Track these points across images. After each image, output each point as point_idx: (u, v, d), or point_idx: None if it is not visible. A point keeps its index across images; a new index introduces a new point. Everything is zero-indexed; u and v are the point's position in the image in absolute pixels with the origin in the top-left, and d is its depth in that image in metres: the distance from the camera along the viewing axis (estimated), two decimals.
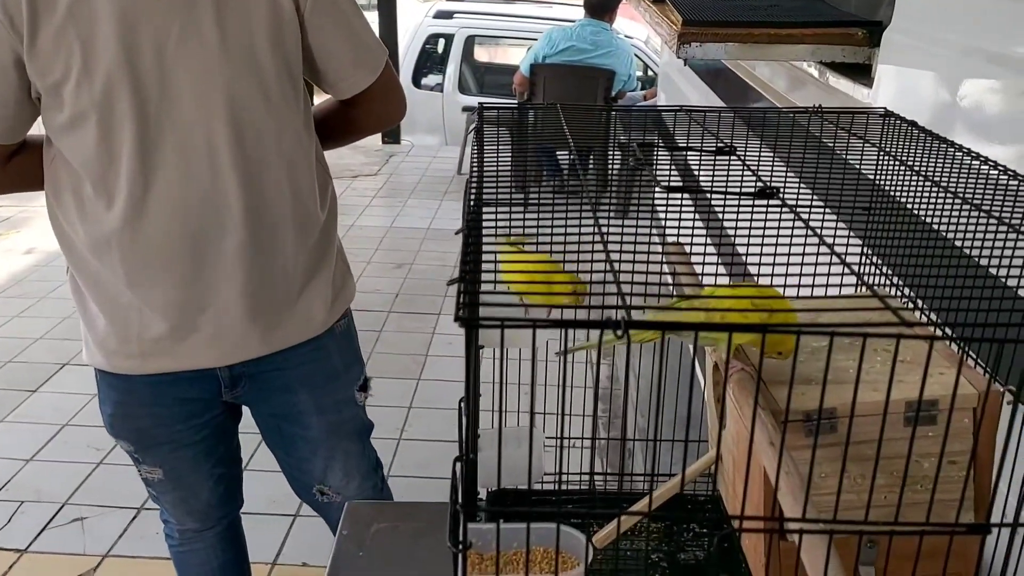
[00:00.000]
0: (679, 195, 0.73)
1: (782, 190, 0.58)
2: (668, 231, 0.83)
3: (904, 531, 0.59)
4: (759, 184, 0.58)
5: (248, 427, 1.70)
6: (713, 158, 0.70)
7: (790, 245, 0.75)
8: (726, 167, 0.80)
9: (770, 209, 0.65)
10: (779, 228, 0.73)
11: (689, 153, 0.71)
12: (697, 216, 0.82)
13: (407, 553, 1.00)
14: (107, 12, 1.26)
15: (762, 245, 0.77)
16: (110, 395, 1.51)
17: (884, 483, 0.66)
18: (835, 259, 0.54)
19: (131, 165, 1.32)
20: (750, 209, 0.67)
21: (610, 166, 4.90)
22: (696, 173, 0.82)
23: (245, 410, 1.68)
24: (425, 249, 5.09)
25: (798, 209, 0.60)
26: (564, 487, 1.03)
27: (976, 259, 0.70)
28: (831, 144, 0.90)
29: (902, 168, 0.77)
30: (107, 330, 1.43)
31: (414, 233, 5.35)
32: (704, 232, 0.73)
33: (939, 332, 0.70)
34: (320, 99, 1.68)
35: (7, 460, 2.89)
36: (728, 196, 0.60)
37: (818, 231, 0.55)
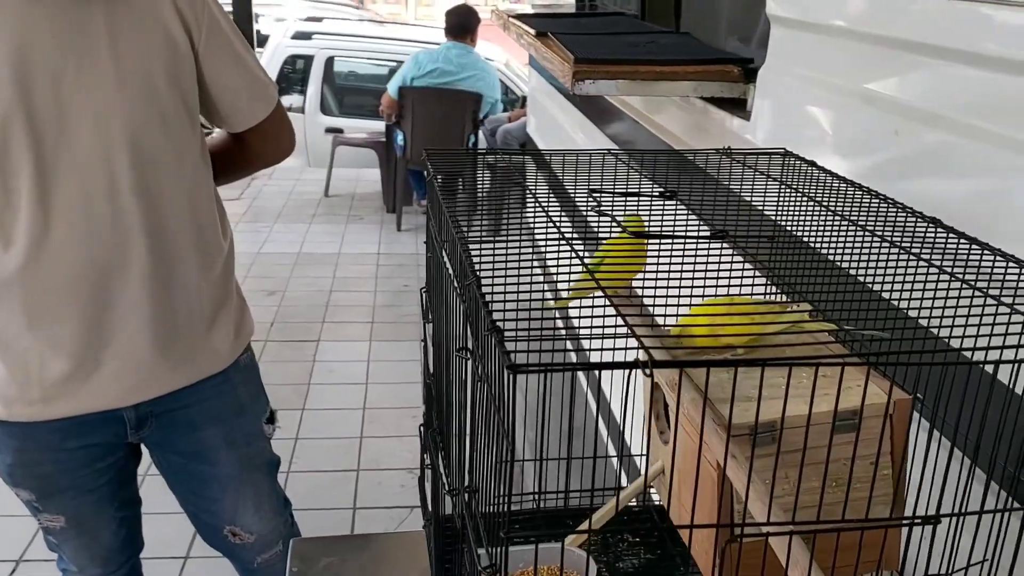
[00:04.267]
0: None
1: (733, 231, 0.66)
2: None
3: (848, 527, 0.68)
4: (710, 227, 0.65)
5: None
6: (650, 201, 0.77)
7: (716, 279, 0.84)
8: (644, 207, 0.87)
9: (714, 248, 0.73)
10: (715, 266, 0.81)
11: (631, 197, 0.79)
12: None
13: None
14: (1, 51, 1.22)
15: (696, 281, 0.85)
16: (9, 444, 1.44)
17: (818, 485, 0.75)
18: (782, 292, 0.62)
19: (30, 204, 1.29)
20: (684, 249, 0.74)
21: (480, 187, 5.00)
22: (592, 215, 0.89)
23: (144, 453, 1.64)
24: (297, 275, 5.01)
25: (743, 248, 0.68)
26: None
27: (872, 282, 0.80)
28: (739, 180, 0.99)
29: (810, 203, 0.88)
30: (5, 377, 1.37)
31: (284, 258, 5.25)
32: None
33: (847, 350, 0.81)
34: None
35: None
36: (682, 239, 0.68)
37: (766, 269, 0.63)
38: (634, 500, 1.07)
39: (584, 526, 0.97)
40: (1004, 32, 0.91)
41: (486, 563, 0.51)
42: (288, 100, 7.21)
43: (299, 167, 7.23)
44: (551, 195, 0.85)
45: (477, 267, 0.70)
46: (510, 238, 0.71)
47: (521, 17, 2.56)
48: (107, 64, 1.30)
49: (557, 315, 0.70)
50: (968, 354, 0.61)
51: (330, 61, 7.29)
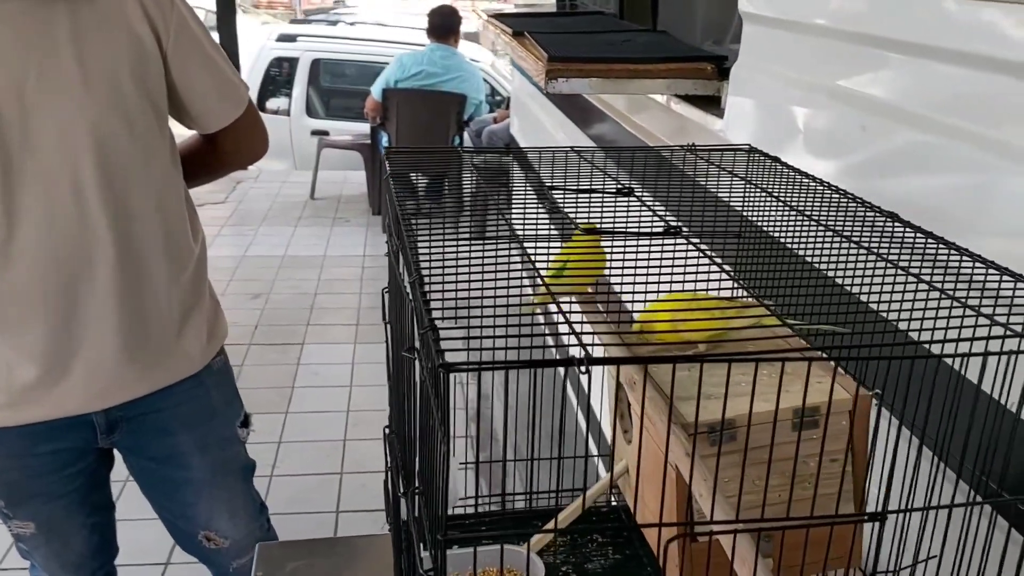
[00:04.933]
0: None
1: (683, 227, 0.66)
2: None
3: (793, 525, 0.67)
4: (664, 223, 0.65)
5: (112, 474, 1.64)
6: (614, 198, 0.77)
7: (681, 275, 0.83)
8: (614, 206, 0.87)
9: (670, 244, 0.72)
10: (671, 260, 0.80)
11: (593, 193, 0.78)
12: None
13: None
14: None
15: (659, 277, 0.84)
16: None
17: (778, 483, 0.74)
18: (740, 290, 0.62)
19: None
20: (651, 245, 0.74)
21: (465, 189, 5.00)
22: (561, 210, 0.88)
23: (117, 457, 1.62)
24: (282, 278, 4.98)
25: (696, 244, 0.67)
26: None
27: (833, 276, 0.80)
28: (703, 177, 0.99)
29: (769, 199, 0.87)
30: None
31: (269, 261, 5.22)
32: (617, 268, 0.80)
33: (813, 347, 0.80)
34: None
35: None
36: (639, 236, 0.67)
37: (724, 266, 0.62)
38: (608, 498, 1.06)
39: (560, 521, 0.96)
40: (974, 28, 0.91)
41: (428, 566, 0.50)
42: (274, 103, 7.19)
43: (285, 170, 7.20)
44: (512, 193, 0.84)
45: (440, 268, 0.70)
46: (464, 239, 0.70)
47: (499, 17, 2.55)
48: (71, 66, 1.28)
49: (507, 312, 0.69)
50: (924, 348, 0.60)
51: (315, 63, 7.26)
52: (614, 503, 1.11)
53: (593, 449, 1.30)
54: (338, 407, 3.51)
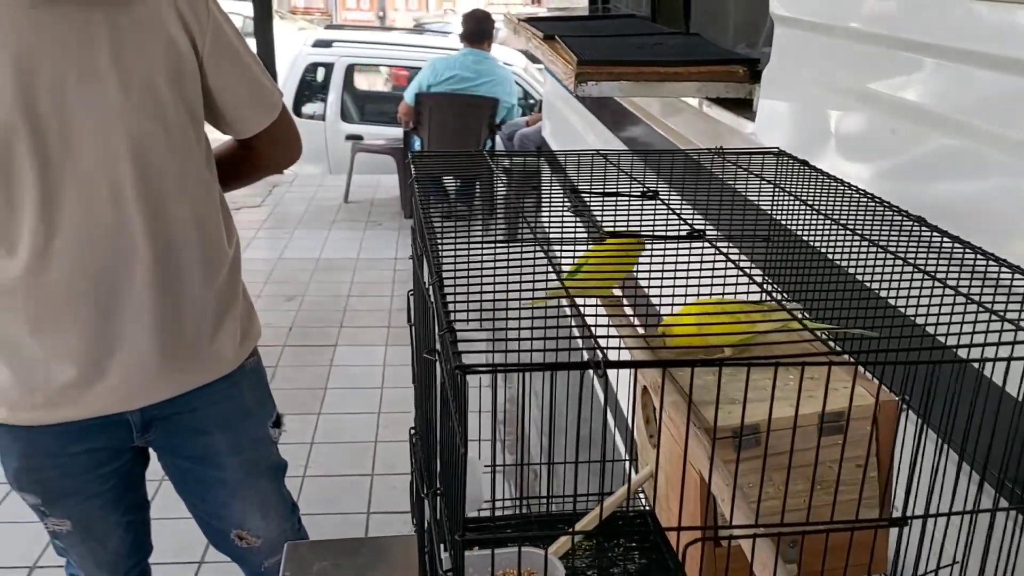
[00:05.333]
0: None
1: (705, 231, 0.66)
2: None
3: (814, 530, 0.67)
4: (689, 227, 0.65)
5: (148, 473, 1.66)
6: (640, 202, 0.77)
7: (710, 281, 0.83)
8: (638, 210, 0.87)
9: (695, 248, 0.72)
10: (700, 265, 0.80)
11: (619, 197, 0.78)
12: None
13: None
14: (1, 61, 1.24)
15: (688, 281, 0.84)
16: (14, 448, 1.46)
17: (801, 488, 0.73)
18: (765, 295, 0.62)
19: (33, 212, 1.30)
20: (677, 250, 0.74)
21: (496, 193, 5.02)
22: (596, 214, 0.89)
23: (152, 456, 1.65)
24: (316, 280, 5.04)
25: (718, 247, 0.67)
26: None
27: (860, 280, 0.79)
28: (732, 181, 0.99)
29: (796, 202, 0.87)
30: (9, 381, 1.39)
31: (304, 264, 5.28)
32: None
33: (837, 350, 0.80)
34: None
35: None
36: (661, 239, 0.67)
37: (747, 269, 0.62)
38: (628, 503, 1.06)
39: (579, 527, 0.96)
40: (1007, 32, 0.90)
41: (448, 566, 0.51)
42: (310, 108, 7.27)
43: (320, 174, 7.29)
44: (539, 196, 0.85)
45: (465, 270, 0.70)
46: (489, 242, 0.71)
47: (530, 20, 2.56)
48: (109, 71, 1.30)
49: (533, 315, 0.69)
50: (949, 352, 0.60)
51: (350, 69, 7.33)
52: (643, 507, 1.11)
53: (622, 451, 1.30)
54: (369, 408, 3.54)
